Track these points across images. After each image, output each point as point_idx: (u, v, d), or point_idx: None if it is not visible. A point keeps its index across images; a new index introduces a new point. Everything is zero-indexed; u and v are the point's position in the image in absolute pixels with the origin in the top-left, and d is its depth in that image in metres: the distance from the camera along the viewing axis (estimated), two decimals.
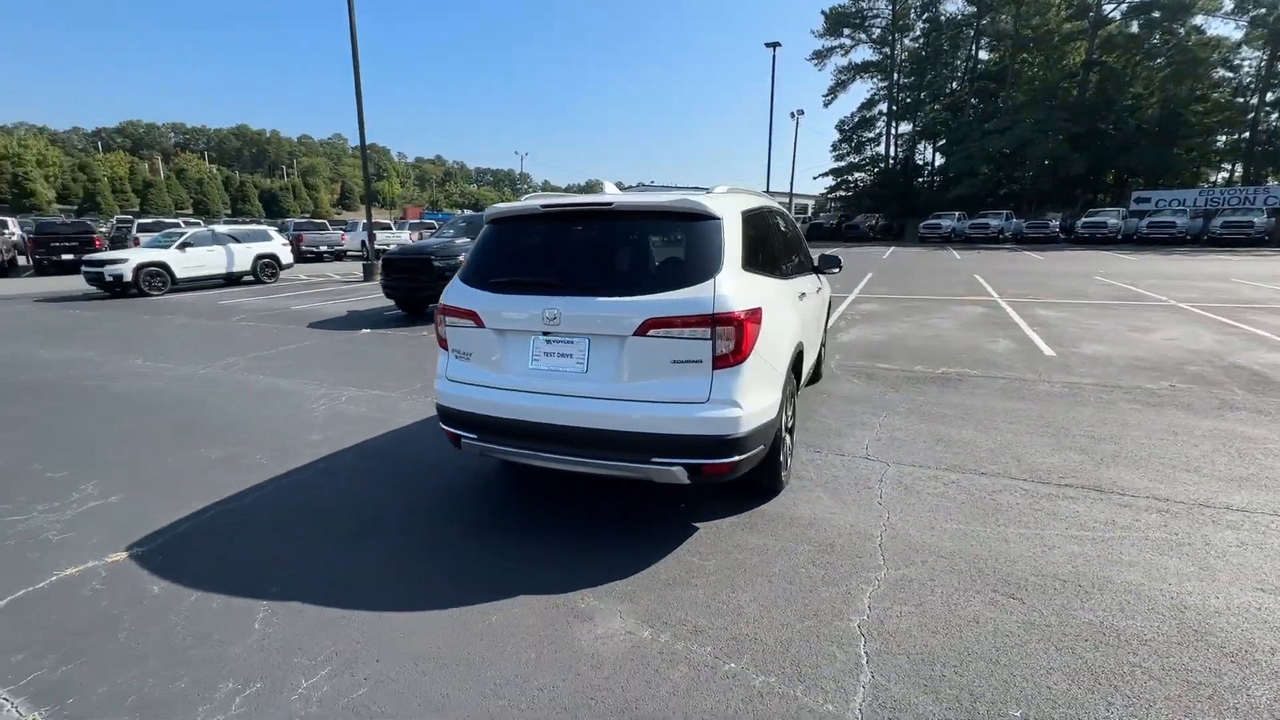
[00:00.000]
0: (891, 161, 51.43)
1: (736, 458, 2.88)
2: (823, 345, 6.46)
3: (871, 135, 52.36)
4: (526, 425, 3.03)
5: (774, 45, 29.50)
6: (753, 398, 2.93)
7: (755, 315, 2.92)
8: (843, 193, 53.01)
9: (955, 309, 10.98)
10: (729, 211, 3.12)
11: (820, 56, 50.47)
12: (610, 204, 3.05)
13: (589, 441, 2.92)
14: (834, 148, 52.61)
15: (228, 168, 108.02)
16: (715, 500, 3.56)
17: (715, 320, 2.76)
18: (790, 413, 3.74)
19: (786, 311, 3.58)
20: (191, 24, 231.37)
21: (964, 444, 4.47)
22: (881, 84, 50.69)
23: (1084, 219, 31.62)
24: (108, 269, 14.56)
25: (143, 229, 22.86)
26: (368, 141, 17.42)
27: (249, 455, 4.35)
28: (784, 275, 3.82)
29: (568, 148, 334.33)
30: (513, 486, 3.84)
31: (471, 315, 3.16)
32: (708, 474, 2.89)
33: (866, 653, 2.28)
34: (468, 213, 21.47)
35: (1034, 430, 4.74)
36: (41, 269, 20.29)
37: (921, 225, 36.74)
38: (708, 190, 3.34)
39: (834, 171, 52.17)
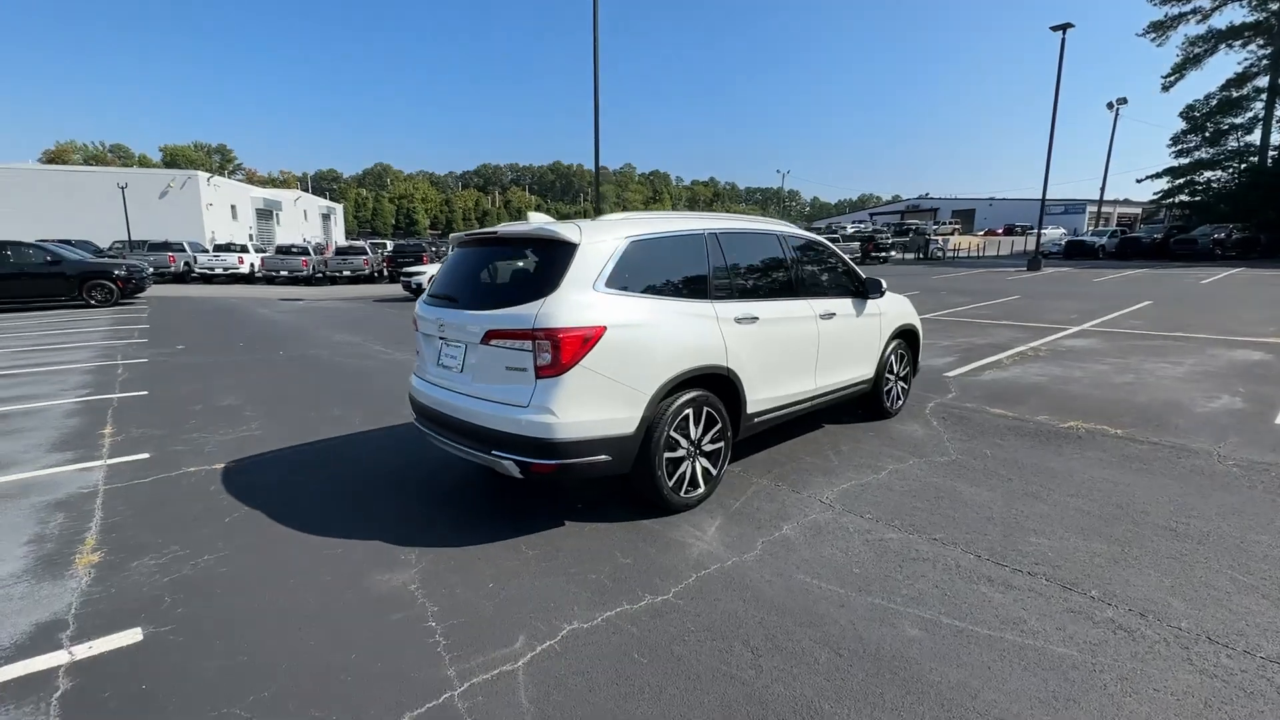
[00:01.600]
0: (1272, 153, 37.86)
1: (558, 461, 3.15)
2: (899, 378, 5.74)
3: (1239, 121, 39.25)
4: (431, 412, 3.73)
5: (1063, 27, 24.56)
6: (580, 409, 3.15)
7: (587, 333, 3.13)
8: (1185, 197, 40.83)
9: (1212, 352, 8.21)
10: (596, 238, 3.36)
11: (1160, 28, 39.69)
12: (495, 233, 3.60)
13: (458, 430, 3.50)
14: (1174, 141, 40.71)
15: (541, 197, 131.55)
16: (613, 506, 3.76)
17: (535, 334, 3.09)
18: (706, 438, 3.70)
19: (671, 333, 3.51)
20: (521, 75, 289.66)
21: (964, 506, 3.75)
22: (1262, 50, 37.67)
23: None
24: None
25: None
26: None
27: (352, 417, 5.91)
28: (702, 298, 3.75)
29: (838, 163, 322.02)
30: (488, 472, 4.54)
31: (415, 322, 4.00)
32: (535, 472, 3.21)
33: (522, 665, 2.41)
34: None
35: (1089, 508, 3.69)
36: (393, 278, 28.21)
37: None
38: (584, 221, 3.59)
39: (1172, 171, 40.50)
